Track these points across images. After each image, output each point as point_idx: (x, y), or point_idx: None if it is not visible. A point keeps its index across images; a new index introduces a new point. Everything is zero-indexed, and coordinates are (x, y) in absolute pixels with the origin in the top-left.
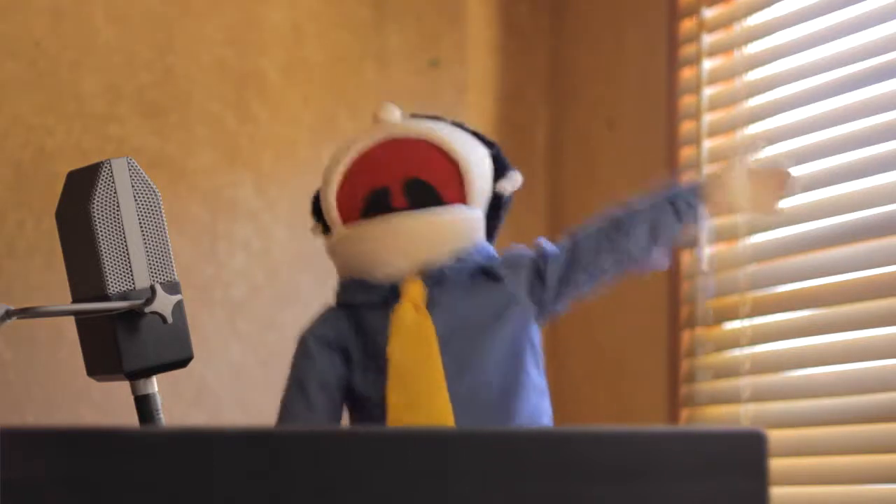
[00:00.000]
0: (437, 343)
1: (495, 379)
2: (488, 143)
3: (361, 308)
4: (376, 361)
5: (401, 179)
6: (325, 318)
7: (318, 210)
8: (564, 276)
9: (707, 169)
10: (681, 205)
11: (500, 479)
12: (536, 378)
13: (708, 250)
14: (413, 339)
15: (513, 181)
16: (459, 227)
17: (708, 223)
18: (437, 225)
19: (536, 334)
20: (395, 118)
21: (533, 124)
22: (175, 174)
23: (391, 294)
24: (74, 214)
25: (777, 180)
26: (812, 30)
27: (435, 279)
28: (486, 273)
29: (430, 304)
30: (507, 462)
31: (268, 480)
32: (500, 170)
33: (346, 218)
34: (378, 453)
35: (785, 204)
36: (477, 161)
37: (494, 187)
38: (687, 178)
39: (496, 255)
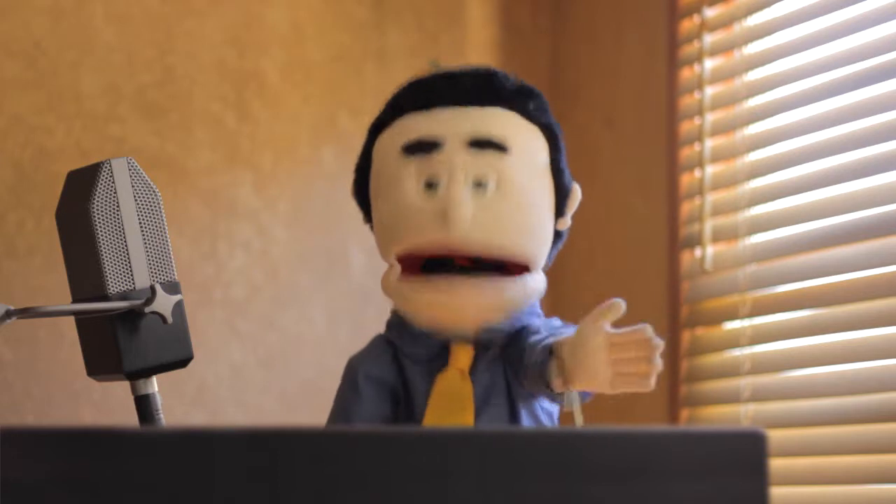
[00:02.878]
0: (474, 413)
1: None
2: (557, 168)
3: (406, 357)
4: (411, 416)
5: (465, 258)
6: (378, 354)
7: (359, 192)
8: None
9: (708, 167)
10: (539, 385)
11: (500, 479)
12: None
13: (580, 418)
14: (452, 407)
15: (572, 209)
16: (524, 297)
17: (574, 395)
18: (505, 297)
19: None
20: (466, 220)
21: None
22: (175, 174)
23: (440, 352)
24: (74, 214)
25: (641, 353)
26: (812, 30)
27: (485, 344)
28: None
29: (473, 368)
30: (507, 462)
31: (268, 480)
32: (561, 207)
33: (406, 266)
34: (378, 453)
35: (653, 380)
36: (543, 243)
37: (555, 223)
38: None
39: (539, 315)
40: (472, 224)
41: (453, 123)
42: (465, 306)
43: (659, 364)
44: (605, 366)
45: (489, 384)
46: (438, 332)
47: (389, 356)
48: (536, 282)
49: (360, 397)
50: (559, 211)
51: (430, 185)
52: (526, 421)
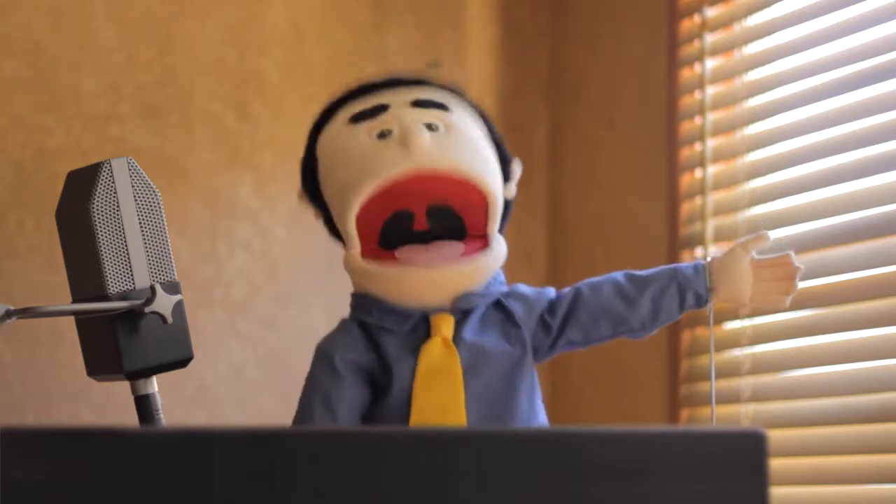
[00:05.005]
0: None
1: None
2: (496, 141)
3: (381, 330)
4: (391, 390)
5: (425, 204)
6: (349, 336)
7: (307, 180)
8: (563, 330)
9: (709, 167)
10: (688, 296)
11: (500, 479)
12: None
13: (712, 330)
14: (440, 377)
15: (516, 177)
16: (490, 268)
17: (711, 307)
18: (469, 271)
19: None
20: (427, 145)
21: (533, 124)
22: (175, 174)
23: (419, 322)
24: (74, 214)
25: (783, 273)
26: (812, 30)
27: (463, 312)
28: (503, 309)
29: (456, 338)
30: (507, 462)
31: (268, 480)
32: (506, 173)
33: (365, 240)
34: (378, 453)
35: (790, 299)
36: (499, 185)
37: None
38: (690, 257)
39: (505, 283)
40: (432, 147)
41: (397, 93)
42: (434, 281)
43: (798, 285)
44: (748, 284)
45: (474, 350)
46: (413, 306)
47: (362, 338)
48: (501, 246)
49: (341, 381)
50: (505, 176)
51: (382, 135)
52: (513, 383)
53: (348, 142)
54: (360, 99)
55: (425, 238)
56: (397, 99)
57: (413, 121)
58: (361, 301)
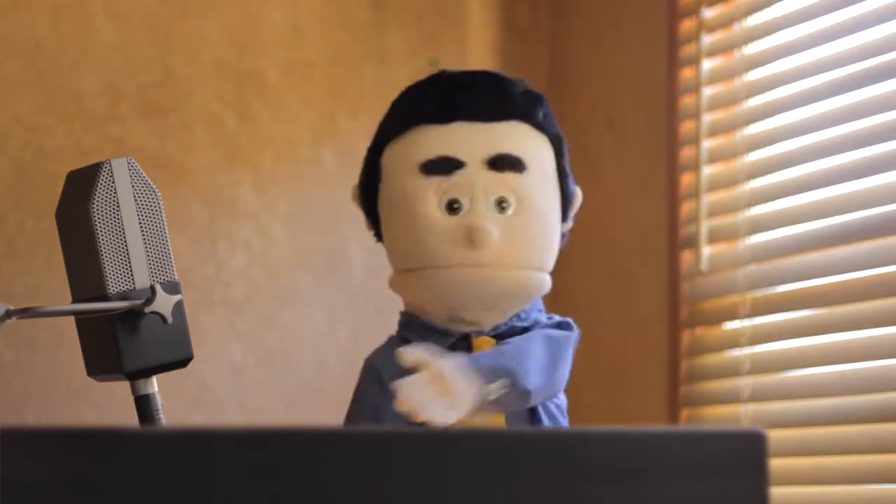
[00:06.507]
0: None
1: None
2: (562, 172)
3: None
4: None
5: None
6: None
7: (364, 199)
8: None
9: (707, 168)
10: None
11: (500, 479)
12: None
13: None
14: None
15: (575, 209)
16: (533, 287)
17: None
18: (524, 284)
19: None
20: (493, 243)
21: None
22: (175, 174)
23: (459, 343)
24: (74, 214)
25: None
26: (812, 30)
27: (503, 335)
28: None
29: None
30: (507, 462)
31: (268, 480)
32: (565, 212)
33: None
34: (378, 453)
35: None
36: (556, 249)
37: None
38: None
39: (544, 311)
40: (498, 245)
41: (473, 142)
42: (490, 287)
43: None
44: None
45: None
46: (455, 324)
47: None
48: (548, 277)
49: (389, 396)
50: (563, 216)
51: (452, 207)
52: (543, 412)
53: (417, 199)
54: (436, 128)
55: None
56: (474, 151)
57: (485, 197)
58: (406, 319)
